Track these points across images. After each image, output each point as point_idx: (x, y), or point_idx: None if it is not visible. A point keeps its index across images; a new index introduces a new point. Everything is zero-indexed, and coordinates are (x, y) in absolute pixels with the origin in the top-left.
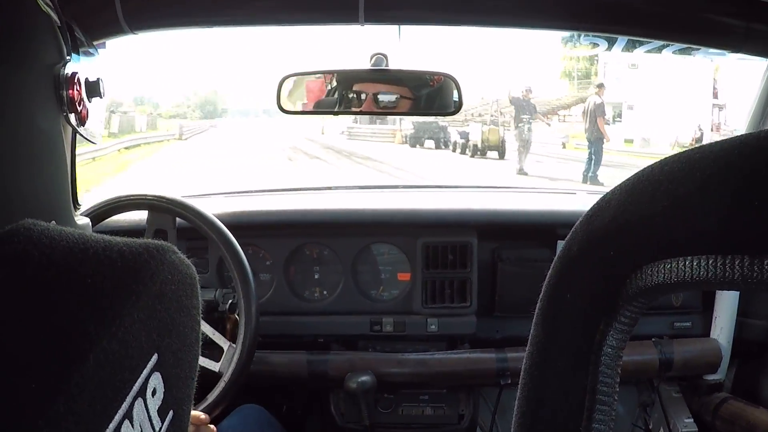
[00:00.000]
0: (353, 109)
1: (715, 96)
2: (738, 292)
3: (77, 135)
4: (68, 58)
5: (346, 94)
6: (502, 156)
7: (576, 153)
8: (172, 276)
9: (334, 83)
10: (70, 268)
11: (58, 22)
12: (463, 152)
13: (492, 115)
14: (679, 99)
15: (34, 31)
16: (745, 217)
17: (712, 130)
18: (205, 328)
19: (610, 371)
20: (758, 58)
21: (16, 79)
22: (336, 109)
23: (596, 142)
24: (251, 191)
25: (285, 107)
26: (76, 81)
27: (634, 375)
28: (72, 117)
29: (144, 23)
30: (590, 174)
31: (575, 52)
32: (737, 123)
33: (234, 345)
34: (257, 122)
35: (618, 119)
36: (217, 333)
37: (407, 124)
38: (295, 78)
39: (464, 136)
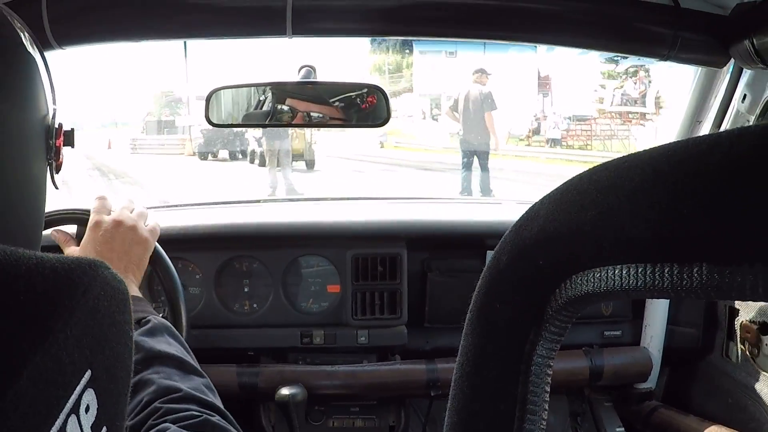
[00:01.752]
0: (284, 122)
1: (544, 86)
2: (668, 301)
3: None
4: (55, 107)
5: (278, 107)
6: (311, 167)
7: (397, 153)
8: (105, 291)
9: (264, 96)
10: (2, 285)
11: (46, 71)
12: (262, 164)
13: None
14: (504, 88)
15: (32, 77)
16: (673, 226)
17: (538, 119)
18: None
19: (540, 381)
20: (687, 66)
21: (21, 121)
22: (266, 122)
23: (480, 147)
24: (179, 205)
25: (213, 120)
26: (62, 131)
27: (565, 384)
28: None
29: (72, 38)
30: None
31: (385, 44)
32: (564, 109)
33: None
34: None
35: (438, 114)
36: None
37: (197, 132)
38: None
39: (263, 143)
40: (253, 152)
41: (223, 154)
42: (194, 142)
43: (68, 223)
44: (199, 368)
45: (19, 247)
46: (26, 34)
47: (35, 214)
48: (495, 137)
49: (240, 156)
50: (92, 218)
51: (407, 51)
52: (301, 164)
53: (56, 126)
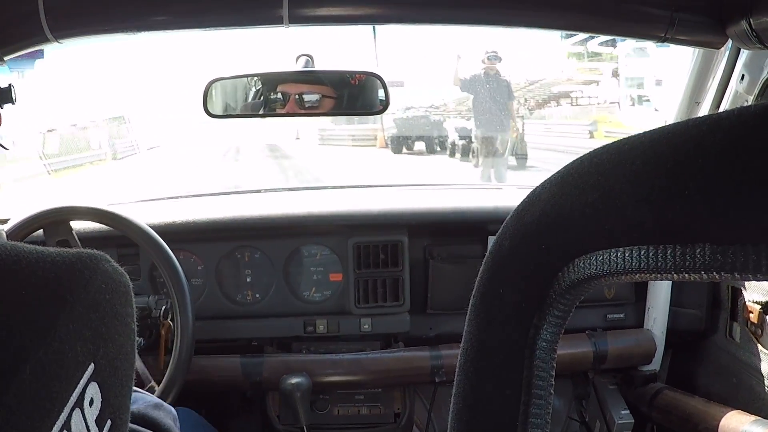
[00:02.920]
0: (278, 112)
1: None
2: (670, 282)
3: None
4: None
5: (270, 96)
6: (522, 161)
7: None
8: (106, 285)
9: (259, 85)
10: (3, 281)
11: None
12: (465, 157)
13: None
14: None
15: None
16: (675, 207)
17: None
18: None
19: (545, 365)
20: (683, 48)
21: None
22: (261, 112)
23: None
24: (181, 196)
25: (211, 111)
26: None
27: (569, 368)
28: None
29: (68, 31)
30: None
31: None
32: None
33: (156, 387)
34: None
35: (646, 99)
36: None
37: (389, 121)
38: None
39: (464, 133)
40: (453, 144)
41: (419, 146)
42: (386, 133)
43: (89, 219)
44: None
45: None
46: None
47: None
48: None
49: (438, 148)
50: None
51: None
52: (511, 160)
53: None
